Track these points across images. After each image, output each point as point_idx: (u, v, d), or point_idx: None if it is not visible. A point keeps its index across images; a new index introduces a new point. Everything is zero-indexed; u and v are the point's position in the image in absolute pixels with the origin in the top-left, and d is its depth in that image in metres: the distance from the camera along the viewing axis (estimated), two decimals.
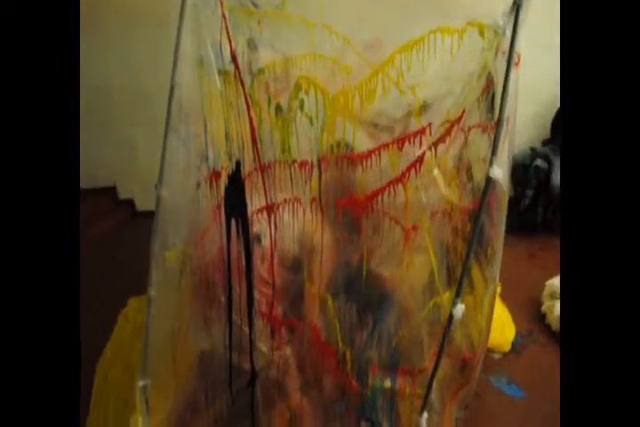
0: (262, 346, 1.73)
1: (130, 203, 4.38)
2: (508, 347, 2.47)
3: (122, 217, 4.12)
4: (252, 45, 1.57)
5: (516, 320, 2.59)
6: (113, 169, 4.42)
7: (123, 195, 4.59)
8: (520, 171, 3.75)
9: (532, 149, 3.83)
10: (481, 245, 1.61)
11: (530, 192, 3.73)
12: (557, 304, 2.58)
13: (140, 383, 1.66)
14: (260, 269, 1.69)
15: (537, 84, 3.26)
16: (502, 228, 1.55)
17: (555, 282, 2.72)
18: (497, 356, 2.45)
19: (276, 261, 1.69)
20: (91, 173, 4.66)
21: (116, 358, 2.29)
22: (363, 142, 1.55)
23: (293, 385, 1.73)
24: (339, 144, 1.54)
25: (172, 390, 1.81)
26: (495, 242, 1.58)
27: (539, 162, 3.65)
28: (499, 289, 2.70)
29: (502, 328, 2.47)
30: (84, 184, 5.22)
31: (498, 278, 1.66)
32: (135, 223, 4.02)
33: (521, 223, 3.81)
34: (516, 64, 1.34)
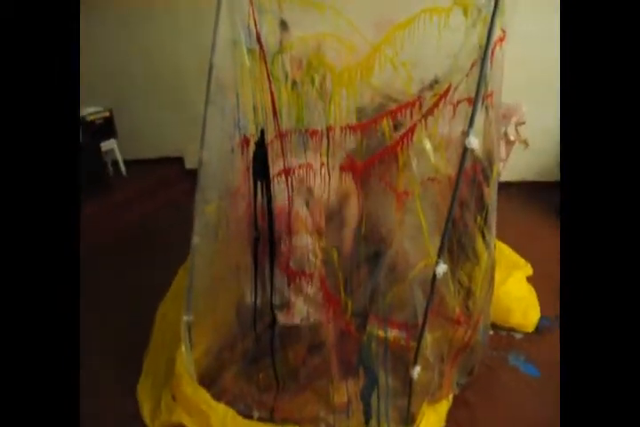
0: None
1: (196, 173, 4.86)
2: (530, 328, 2.50)
3: (190, 184, 4.60)
4: (283, 26, 1.79)
5: (546, 304, 2.60)
6: (181, 141, 4.90)
7: (189, 165, 5.14)
8: None
9: None
10: (480, 213, 1.71)
11: None
12: None
13: (185, 318, 1.99)
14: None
15: None
16: (495, 196, 1.64)
17: None
18: (518, 336, 2.50)
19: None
20: (160, 144, 5.27)
21: (174, 303, 2.57)
22: None
23: None
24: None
25: (211, 327, 2.13)
26: (490, 210, 1.67)
27: None
28: (530, 271, 2.73)
29: (526, 309, 2.51)
30: (156, 154, 5.79)
31: (494, 246, 1.75)
32: None
33: None
34: (501, 40, 1.43)
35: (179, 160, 5.28)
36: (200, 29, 4.13)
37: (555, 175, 4.12)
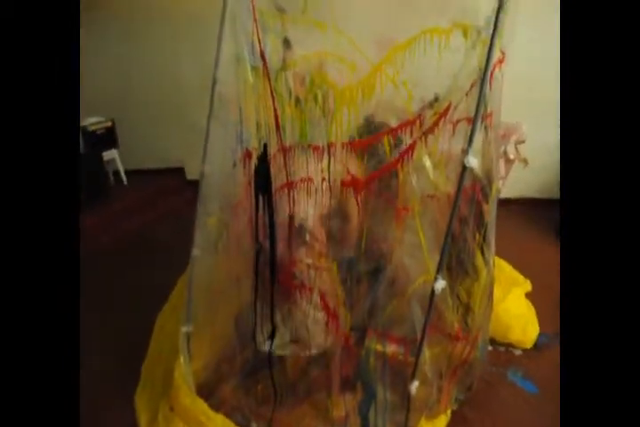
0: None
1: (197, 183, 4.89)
2: (529, 344, 2.51)
3: (191, 195, 4.64)
4: (286, 44, 1.82)
5: (545, 321, 2.62)
6: (182, 152, 4.96)
7: (190, 176, 5.19)
8: None
9: None
10: (479, 230, 1.73)
11: None
12: None
13: (184, 329, 2.00)
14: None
15: None
16: (494, 213, 1.66)
17: None
18: (517, 352, 2.51)
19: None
20: (161, 155, 5.32)
21: (172, 314, 2.59)
22: None
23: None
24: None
25: (210, 339, 2.14)
26: (489, 227, 1.69)
27: None
28: (529, 288, 2.74)
29: (525, 325, 2.52)
30: (157, 165, 5.83)
31: (493, 263, 1.77)
32: None
33: None
34: (500, 61, 1.46)
35: (180, 171, 5.31)
36: (202, 43, 4.21)
37: (554, 192, 4.14)
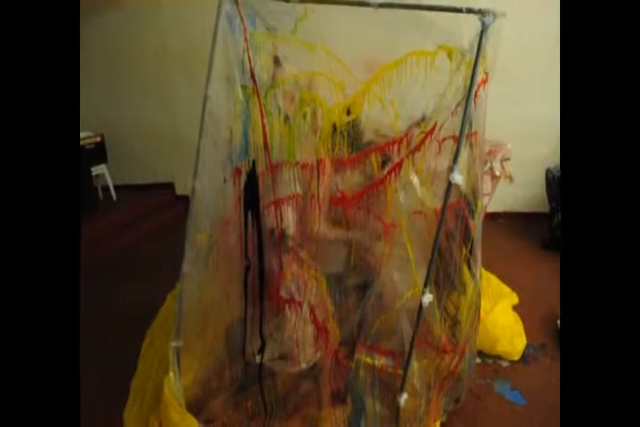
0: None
1: (186, 199, 4.88)
2: (516, 356, 2.55)
3: (180, 210, 4.62)
4: (276, 62, 1.86)
5: (532, 332, 2.67)
6: (172, 167, 5.00)
7: (179, 191, 5.21)
8: (555, 186, 3.75)
9: None
10: (466, 245, 1.77)
11: None
12: None
13: (173, 344, 2.00)
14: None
15: None
16: (480, 228, 1.70)
17: None
18: (505, 364, 2.54)
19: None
20: (151, 170, 5.34)
21: (161, 330, 2.60)
22: None
23: None
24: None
25: (200, 354, 2.14)
26: (476, 242, 1.73)
27: None
28: (515, 300, 2.80)
29: (512, 338, 2.56)
30: (146, 180, 5.81)
31: (480, 276, 1.81)
32: None
33: (554, 239, 3.83)
34: (484, 82, 1.51)
35: (169, 186, 5.32)
36: (192, 54, 4.28)
37: (539, 206, 4.25)
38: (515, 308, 2.82)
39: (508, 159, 2.55)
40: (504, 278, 3.05)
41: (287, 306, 1.89)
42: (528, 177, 3.90)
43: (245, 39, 1.73)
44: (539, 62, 3.84)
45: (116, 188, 5.09)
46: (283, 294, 1.91)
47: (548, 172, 3.82)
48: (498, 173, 2.49)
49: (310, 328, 1.88)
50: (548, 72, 3.76)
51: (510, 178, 2.61)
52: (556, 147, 4.08)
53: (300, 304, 1.86)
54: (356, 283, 1.83)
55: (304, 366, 1.98)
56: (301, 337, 1.92)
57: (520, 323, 2.69)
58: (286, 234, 1.82)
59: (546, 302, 2.99)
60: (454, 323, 1.89)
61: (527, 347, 2.59)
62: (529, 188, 4.16)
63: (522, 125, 3.92)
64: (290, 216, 1.81)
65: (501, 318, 2.62)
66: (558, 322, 2.74)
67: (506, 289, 2.95)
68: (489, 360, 2.54)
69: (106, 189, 5.05)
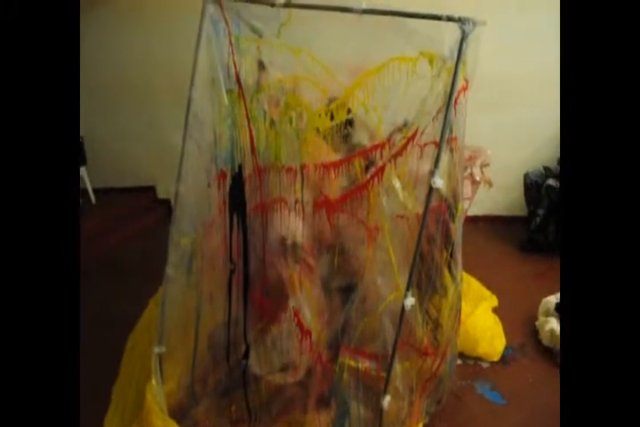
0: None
1: (168, 202, 4.71)
2: (496, 357, 2.58)
3: (162, 214, 4.55)
4: (261, 66, 1.87)
5: (511, 334, 2.71)
6: (153, 170, 4.92)
7: (161, 195, 5.07)
8: (533, 190, 3.81)
9: (546, 169, 3.89)
10: (447, 248, 1.80)
11: (541, 211, 3.77)
12: (550, 320, 2.68)
13: (156, 350, 1.98)
14: None
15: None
16: (460, 231, 1.73)
17: (550, 299, 2.82)
18: (485, 365, 2.57)
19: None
20: (132, 173, 5.24)
21: (143, 335, 2.58)
22: None
23: None
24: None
25: (183, 359, 2.13)
26: (457, 245, 1.76)
27: (551, 181, 3.69)
28: (495, 303, 2.85)
29: (492, 339, 2.60)
30: (126, 183, 5.68)
31: (460, 279, 1.84)
32: None
33: (532, 242, 3.90)
34: (464, 89, 1.54)
35: (150, 189, 5.25)
36: (175, 57, 4.25)
37: (517, 210, 4.33)
38: (494, 310, 2.87)
39: (487, 165, 2.60)
40: (483, 281, 3.10)
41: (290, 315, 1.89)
42: (507, 181, 3.97)
43: (230, 43, 1.74)
44: (519, 69, 3.90)
45: (95, 191, 5.02)
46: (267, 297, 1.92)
47: (526, 176, 3.88)
48: (478, 179, 2.54)
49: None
50: (527, 78, 3.87)
51: (490, 183, 2.67)
52: (533, 152, 4.16)
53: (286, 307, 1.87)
54: (340, 285, 1.84)
55: (302, 373, 1.99)
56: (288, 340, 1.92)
57: (500, 325, 2.73)
58: (297, 244, 1.83)
59: (524, 303, 3.03)
60: (436, 326, 1.92)
61: (506, 348, 2.63)
62: (508, 192, 4.22)
63: (500, 131, 3.99)
64: (299, 225, 1.82)
65: (482, 320, 2.66)
66: (536, 323, 2.79)
67: (486, 292, 3.00)
68: (470, 362, 2.57)
69: (84, 192, 4.97)
